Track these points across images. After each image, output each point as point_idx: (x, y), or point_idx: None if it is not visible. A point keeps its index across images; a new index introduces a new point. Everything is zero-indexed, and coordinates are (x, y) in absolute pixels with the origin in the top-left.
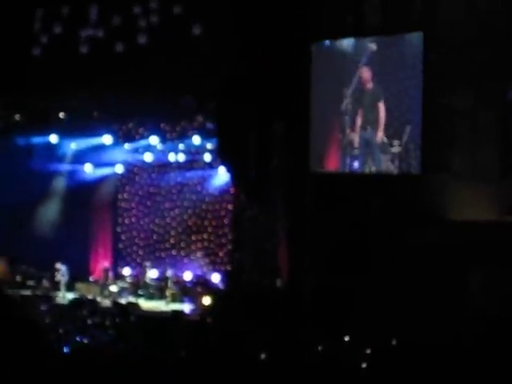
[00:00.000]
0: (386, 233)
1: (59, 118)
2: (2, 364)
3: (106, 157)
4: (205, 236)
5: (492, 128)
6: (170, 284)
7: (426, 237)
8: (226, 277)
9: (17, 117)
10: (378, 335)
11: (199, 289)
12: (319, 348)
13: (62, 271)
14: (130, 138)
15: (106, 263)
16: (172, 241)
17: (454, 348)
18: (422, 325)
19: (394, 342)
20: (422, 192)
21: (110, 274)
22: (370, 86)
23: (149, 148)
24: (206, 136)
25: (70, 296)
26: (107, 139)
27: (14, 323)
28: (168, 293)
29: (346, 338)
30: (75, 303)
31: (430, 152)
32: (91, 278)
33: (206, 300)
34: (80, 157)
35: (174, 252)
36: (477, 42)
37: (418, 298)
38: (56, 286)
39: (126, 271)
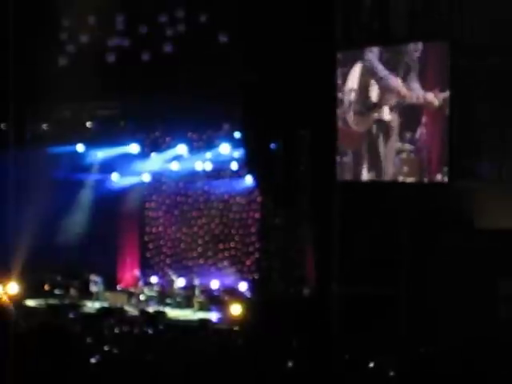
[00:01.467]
0: (415, 241)
1: (86, 127)
2: (33, 372)
3: (132, 166)
4: (232, 245)
5: None
6: (197, 293)
7: (455, 245)
8: (253, 285)
9: (44, 126)
10: (406, 343)
11: (226, 297)
12: (346, 357)
13: (97, 282)
14: (156, 147)
15: (136, 272)
16: (199, 249)
17: (482, 356)
18: (451, 333)
19: (421, 350)
20: (450, 200)
21: (140, 283)
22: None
23: (176, 157)
24: (232, 145)
25: (98, 305)
26: (134, 148)
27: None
28: (195, 301)
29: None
30: (103, 312)
31: (458, 160)
32: (119, 287)
33: (233, 309)
34: (107, 166)
35: (201, 261)
36: (504, 50)
37: (447, 307)
38: (90, 296)
39: (154, 280)
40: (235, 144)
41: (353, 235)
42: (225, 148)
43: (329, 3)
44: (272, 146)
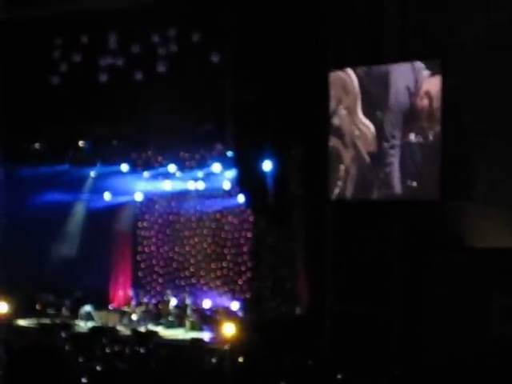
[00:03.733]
0: (407, 260)
1: (78, 146)
2: None
3: (125, 185)
4: (224, 264)
5: None
6: (189, 312)
7: (447, 264)
8: (245, 304)
9: (36, 145)
10: (398, 362)
11: (219, 317)
12: (339, 376)
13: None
14: (149, 166)
15: (129, 291)
16: (191, 269)
17: (474, 372)
18: (443, 351)
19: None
20: (442, 219)
21: (133, 303)
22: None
23: (168, 176)
24: (225, 164)
25: (90, 324)
26: (126, 167)
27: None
28: (187, 321)
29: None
30: (95, 331)
31: (450, 179)
32: (110, 306)
33: (226, 328)
34: (99, 185)
35: (193, 280)
36: (496, 69)
37: (440, 325)
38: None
39: (146, 299)
40: (227, 163)
41: (345, 253)
42: (217, 167)
43: (322, 23)
44: (264, 164)
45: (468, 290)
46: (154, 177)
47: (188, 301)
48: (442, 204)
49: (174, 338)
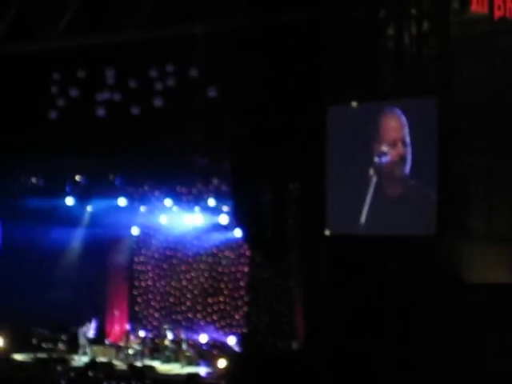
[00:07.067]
0: (403, 295)
1: (75, 180)
2: None
3: (121, 219)
4: (221, 298)
5: (509, 190)
6: (185, 347)
7: (444, 299)
8: (242, 339)
9: (33, 180)
10: None
11: (215, 352)
12: None
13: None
14: (145, 200)
15: (126, 326)
16: (188, 303)
17: None
18: None
19: None
20: (438, 253)
21: (131, 337)
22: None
23: (164, 210)
24: (221, 198)
25: (86, 359)
26: (123, 202)
27: None
28: (184, 356)
29: None
30: (91, 366)
31: (446, 213)
32: (107, 341)
33: (222, 363)
34: (96, 219)
35: (190, 315)
36: (493, 104)
37: (435, 361)
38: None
39: (142, 334)
40: (224, 197)
41: (341, 289)
42: (213, 202)
43: (318, 58)
44: (261, 199)
45: (464, 326)
46: (151, 211)
47: (184, 335)
48: (438, 239)
49: (170, 372)
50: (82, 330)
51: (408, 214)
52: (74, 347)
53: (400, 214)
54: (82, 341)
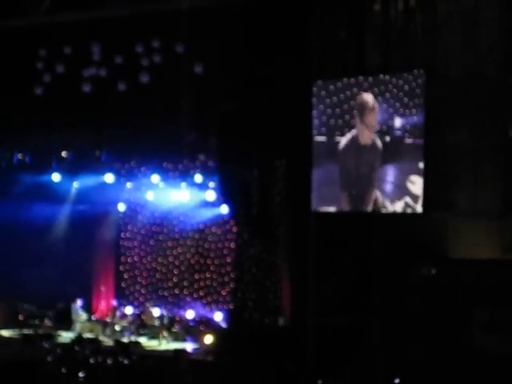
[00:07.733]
0: (389, 271)
1: (61, 156)
2: None
3: (108, 195)
4: (207, 275)
5: (494, 166)
6: (172, 323)
7: (429, 275)
8: (228, 315)
9: (19, 156)
10: (380, 373)
11: (202, 328)
12: None
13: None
14: (132, 176)
15: (112, 302)
16: (175, 279)
17: None
18: (425, 363)
19: (396, 381)
20: (424, 230)
21: (118, 313)
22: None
23: (151, 186)
24: (208, 174)
25: (72, 335)
26: (109, 178)
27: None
28: (170, 332)
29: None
30: (77, 342)
31: (432, 190)
32: (93, 317)
33: (209, 339)
34: (83, 195)
35: (176, 291)
36: (478, 80)
37: (421, 337)
38: (65, 326)
39: (129, 310)
40: (210, 174)
41: (327, 265)
42: (200, 178)
43: (304, 33)
44: (247, 175)
45: (450, 301)
46: (137, 187)
47: (171, 311)
48: (424, 216)
49: (156, 348)
50: (74, 306)
51: None
52: (62, 323)
53: None
54: (75, 316)
